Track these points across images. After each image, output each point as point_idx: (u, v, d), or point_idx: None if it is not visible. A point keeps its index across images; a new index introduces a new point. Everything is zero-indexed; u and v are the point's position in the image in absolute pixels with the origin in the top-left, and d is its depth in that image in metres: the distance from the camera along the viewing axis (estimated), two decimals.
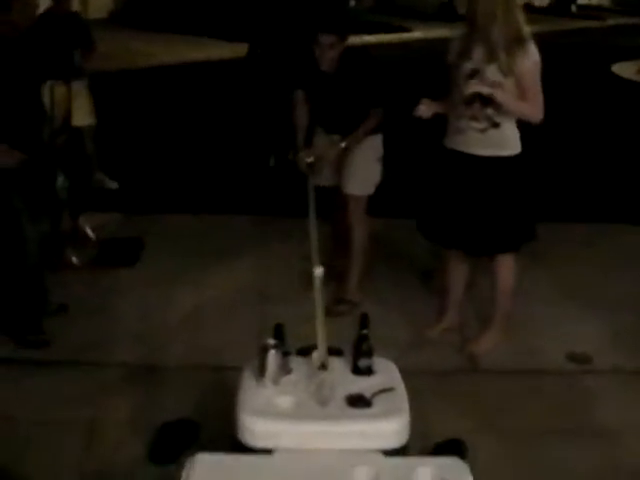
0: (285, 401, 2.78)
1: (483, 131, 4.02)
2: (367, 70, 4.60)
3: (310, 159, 4.62)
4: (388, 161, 4.86)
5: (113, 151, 7.09)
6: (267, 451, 2.64)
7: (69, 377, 4.08)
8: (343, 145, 4.64)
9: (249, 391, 2.83)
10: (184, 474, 2.48)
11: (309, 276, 4.86)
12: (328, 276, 5.16)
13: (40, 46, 4.35)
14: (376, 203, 4.91)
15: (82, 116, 6.55)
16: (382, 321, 3.78)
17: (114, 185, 6.97)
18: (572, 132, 9.14)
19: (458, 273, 4.51)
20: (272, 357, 2.83)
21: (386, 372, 2.97)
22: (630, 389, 4.17)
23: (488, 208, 4.13)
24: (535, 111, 4.00)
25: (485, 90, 3.91)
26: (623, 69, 14.47)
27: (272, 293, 5.02)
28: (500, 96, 3.92)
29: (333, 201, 4.97)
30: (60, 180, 5.28)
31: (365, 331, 2.94)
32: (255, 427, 2.69)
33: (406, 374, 3.02)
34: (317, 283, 3.00)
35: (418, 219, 4.48)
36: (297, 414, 2.73)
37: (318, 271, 3.01)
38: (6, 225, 4.20)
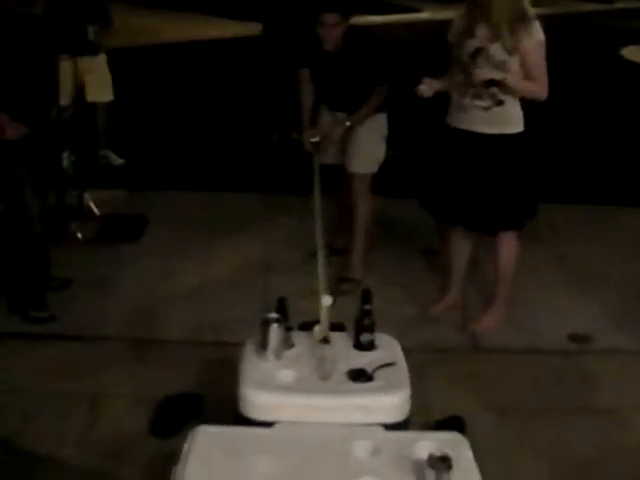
0: (287, 375, 2.80)
1: (487, 109, 4.01)
2: (371, 49, 4.59)
3: (315, 138, 4.63)
4: (392, 140, 4.86)
5: (118, 128, 7.07)
6: (268, 424, 2.65)
7: (72, 351, 4.11)
8: (348, 124, 4.65)
9: (251, 364, 2.85)
10: (186, 446, 2.50)
11: (312, 252, 4.91)
12: (330, 252, 5.25)
13: (50, 19, 4.35)
14: (379, 182, 4.91)
15: (96, 92, 6.57)
16: (384, 298, 3.78)
17: (119, 162, 6.98)
18: (581, 116, 9.10)
19: (461, 250, 4.51)
20: (274, 331, 2.84)
21: (388, 347, 2.99)
22: (630, 369, 4.17)
23: (491, 185, 4.13)
24: (541, 90, 3.99)
25: (497, 76, 3.91)
26: (633, 53, 14.37)
27: (275, 269, 5.02)
28: (510, 80, 3.92)
29: (337, 179, 4.98)
30: (65, 155, 5.29)
31: (367, 306, 2.95)
32: (257, 400, 2.70)
33: (407, 351, 3.04)
34: (324, 311, 2.94)
35: (421, 196, 4.48)
36: (299, 388, 2.75)
37: (326, 300, 2.94)
38: (10, 195, 4.22)
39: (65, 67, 6.36)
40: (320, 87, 4.81)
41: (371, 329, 2.95)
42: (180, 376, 3.87)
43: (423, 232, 5.44)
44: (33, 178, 4.21)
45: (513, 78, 3.93)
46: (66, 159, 6.01)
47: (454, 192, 4.22)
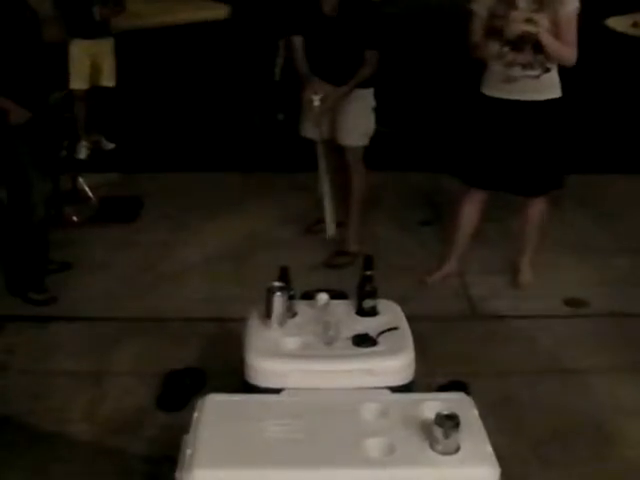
0: (292, 342, 2.83)
1: (537, 77, 4.12)
2: (366, 11, 4.57)
3: (317, 97, 4.61)
4: (383, 115, 4.89)
5: (109, 112, 7.06)
6: (275, 391, 2.69)
7: (76, 331, 4.14)
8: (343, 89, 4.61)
9: (256, 333, 2.88)
10: (196, 414, 2.53)
11: (309, 226, 4.90)
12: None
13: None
14: (372, 156, 4.92)
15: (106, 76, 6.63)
16: (382, 269, 3.81)
17: (110, 146, 6.98)
18: (565, 87, 9.11)
19: (471, 220, 4.58)
20: (278, 299, 2.87)
21: (390, 312, 3.03)
22: (626, 332, 4.22)
23: (543, 148, 4.28)
24: (572, 54, 4.08)
25: (532, 29, 3.97)
26: (617, 23, 14.32)
27: (271, 245, 5.05)
28: (546, 37, 3.98)
29: (329, 155, 5.00)
30: (83, 144, 5.31)
31: (369, 272, 2.99)
32: (263, 367, 2.74)
33: (407, 319, 3.07)
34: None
35: (456, 165, 4.58)
36: (304, 354, 2.79)
37: None
38: (15, 180, 4.23)
39: (77, 50, 6.42)
40: (313, 56, 4.71)
41: (373, 295, 2.99)
42: (182, 352, 3.91)
43: (417, 204, 5.48)
44: (36, 163, 4.23)
45: (549, 37, 3.98)
46: (84, 147, 6.05)
47: (502, 159, 4.32)
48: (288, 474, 2.29)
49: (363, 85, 4.68)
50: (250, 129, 7.43)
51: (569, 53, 4.09)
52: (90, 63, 6.54)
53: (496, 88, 4.23)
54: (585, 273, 4.81)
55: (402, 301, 3.42)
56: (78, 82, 6.49)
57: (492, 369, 3.83)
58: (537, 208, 4.49)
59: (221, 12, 11.97)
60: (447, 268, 4.67)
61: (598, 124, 7.84)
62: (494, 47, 4.09)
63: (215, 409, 2.54)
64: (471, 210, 4.55)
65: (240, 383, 2.83)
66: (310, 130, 4.79)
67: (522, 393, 3.66)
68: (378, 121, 4.86)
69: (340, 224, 5.00)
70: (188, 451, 2.35)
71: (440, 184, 6.00)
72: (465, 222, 4.59)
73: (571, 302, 4.50)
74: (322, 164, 4.70)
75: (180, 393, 3.53)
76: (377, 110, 4.82)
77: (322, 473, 2.29)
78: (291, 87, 5.17)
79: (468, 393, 3.33)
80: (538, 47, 4.03)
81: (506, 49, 4.07)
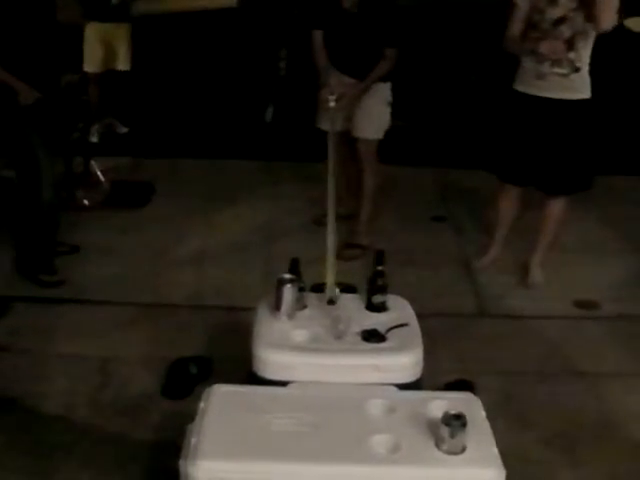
0: (300, 334, 2.80)
1: (566, 76, 4.11)
2: (387, 8, 4.58)
3: (334, 97, 4.58)
4: (399, 109, 4.86)
5: (123, 95, 7.05)
6: (282, 383, 2.66)
7: (82, 314, 4.14)
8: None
9: (265, 325, 2.85)
10: (202, 404, 2.51)
11: (316, 219, 4.83)
12: (337, 219, 5.24)
13: None
14: (386, 150, 4.91)
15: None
16: (392, 265, 3.79)
17: (123, 130, 6.95)
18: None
19: (511, 212, 4.67)
20: (288, 291, 2.85)
21: (399, 309, 3.00)
22: (636, 334, 4.19)
23: (568, 147, 4.28)
24: (613, 17, 4.01)
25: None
26: (636, 23, 14.22)
27: (280, 235, 5.04)
28: None
29: (343, 147, 4.96)
30: (95, 128, 5.32)
31: (380, 267, 2.96)
32: (271, 359, 2.71)
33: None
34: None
35: (487, 159, 4.62)
36: (313, 347, 2.76)
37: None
38: (24, 161, 4.22)
39: (92, 33, 6.40)
40: (332, 49, 4.72)
41: (384, 290, 2.96)
42: (188, 339, 3.91)
43: (431, 199, 5.45)
44: (46, 144, 4.21)
45: None
46: (97, 131, 6.02)
47: (532, 155, 4.33)
48: (292, 468, 2.28)
49: (380, 79, 4.68)
50: (262, 117, 7.41)
51: (611, 13, 3.99)
52: (105, 47, 6.53)
53: (528, 85, 4.24)
54: (596, 274, 4.78)
55: (412, 297, 3.41)
56: (91, 65, 6.48)
57: (499, 368, 3.81)
58: (558, 206, 4.50)
59: None
60: (493, 253, 4.75)
61: (611, 125, 7.79)
62: (537, 43, 4.06)
63: (221, 399, 2.53)
64: (507, 205, 4.64)
65: (247, 374, 2.80)
66: (324, 122, 4.75)
67: (528, 393, 3.65)
68: (394, 115, 4.84)
69: (350, 217, 4.97)
70: (192, 440, 2.33)
71: (454, 179, 5.98)
72: (503, 216, 4.68)
73: (581, 304, 4.48)
74: (332, 159, 4.63)
75: (185, 381, 3.52)
76: (393, 104, 4.81)
77: (327, 468, 2.27)
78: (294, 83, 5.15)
79: (474, 392, 3.34)
80: (572, 44, 4.03)
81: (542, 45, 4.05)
